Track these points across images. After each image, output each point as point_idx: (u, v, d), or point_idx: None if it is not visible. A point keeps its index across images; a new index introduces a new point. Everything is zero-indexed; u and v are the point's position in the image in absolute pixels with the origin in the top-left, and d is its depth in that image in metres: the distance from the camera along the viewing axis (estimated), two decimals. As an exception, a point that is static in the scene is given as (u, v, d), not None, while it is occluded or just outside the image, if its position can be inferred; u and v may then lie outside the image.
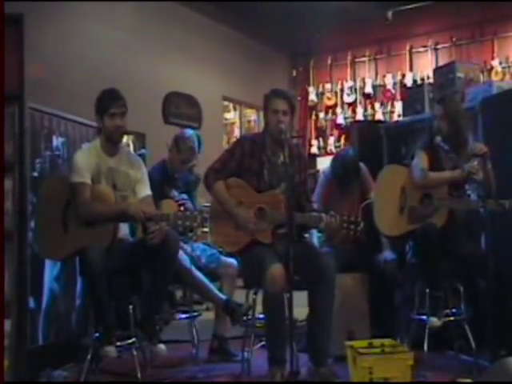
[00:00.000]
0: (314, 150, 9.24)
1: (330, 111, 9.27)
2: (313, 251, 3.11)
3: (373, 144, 4.49)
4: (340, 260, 3.14)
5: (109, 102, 3.06)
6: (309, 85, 9.49)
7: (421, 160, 3.35)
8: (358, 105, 8.96)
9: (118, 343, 2.86)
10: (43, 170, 3.47)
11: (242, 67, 8.41)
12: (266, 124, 3.17)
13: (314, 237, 3.79)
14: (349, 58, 9.13)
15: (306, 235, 3.72)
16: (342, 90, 9.10)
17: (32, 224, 3.20)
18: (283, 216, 2.91)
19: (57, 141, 3.58)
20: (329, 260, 3.00)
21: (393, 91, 8.64)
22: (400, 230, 3.36)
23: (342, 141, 8.69)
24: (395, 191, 3.40)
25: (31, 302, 3.22)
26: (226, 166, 3.15)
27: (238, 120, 8.98)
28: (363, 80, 8.98)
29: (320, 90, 9.40)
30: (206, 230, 3.77)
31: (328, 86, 9.28)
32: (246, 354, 3.07)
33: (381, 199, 3.48)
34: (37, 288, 3.34)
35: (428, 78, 7.82)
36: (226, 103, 8.71)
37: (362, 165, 3.95)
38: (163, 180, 3.73)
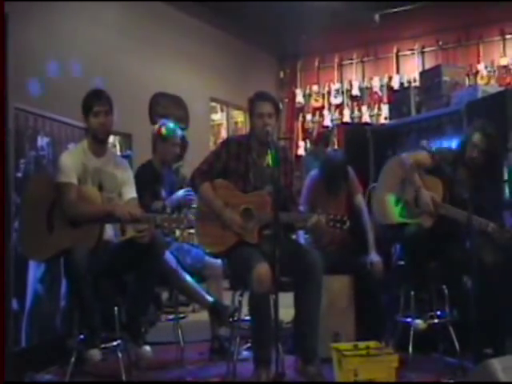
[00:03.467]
0: (301, 151, 9.25)
1: (317, 113, 9.31)
2: (299, 249, 3.11)
3: (359, 147, 4.49)
4: (326, 262, 3.11)
5: (92, 100, 3.08)
6: (296, 87, 9.53)
7: (421, 155, 3.45)
8: (345, 107, 8.98)
9: (103, 345, 2.84)
10: (27, 171, 3.46)
11: (230, 68, 8.38)
12: (251, 127, 3.18)
13: (301, 238, 3.79)
14: (336, 60, 9.12)
15: (293, 236, 3.72)
16: (329, 92, 9.15)
17: (16, 225, 3.18)
18: (269, 216, 2.91)
19: (41, 141, 3.58)
20: (315, 256, 3.00)
21: (380, 94, 8.68)
22: (393, 220, 3.43)
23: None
24: (395, 182, 3.48)
25: (14, 304, 3.20)
26: (212, 167, 3.15)
27: (225, 121, 8.98)
28: (350, 82, 8.99)
29: (307, 91, 9.43)
30: (191, 231, 3.74)
31: (315, 87, 9.33)
32: (232, 355, 3.07)
33: (381, 190, 3.56)
34: (20, 289, 3.32)
35: (414, 81, 7.86)
36: (213, 104, 8.69)
37: (349, 168, 3.98)
38: (151, 180, 3.73)
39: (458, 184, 3.37)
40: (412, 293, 3.26)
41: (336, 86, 9.12)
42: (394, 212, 3.45)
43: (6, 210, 2.81)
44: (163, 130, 3.82)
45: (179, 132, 3.88)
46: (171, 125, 3.89)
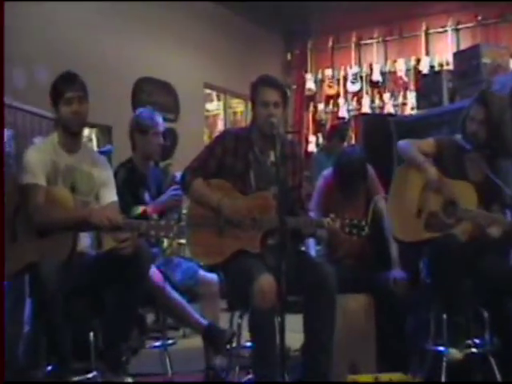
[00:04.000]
0: (312, 147, 9.32)
1: (331, 102, 9.40)
2: (309, 261, 3.14)
3: (381, 142, 4.49)
4: (342, 277, 3.14)
5: (64, 85, 3.06)
6: (306, 71, 9.63)
7: (422, 141, 3.49)
8: (364, 95, 9.13)
9: (76, 378, 2.82)
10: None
11: (228, 49, 8.45)
12: (253, 117, 3.22)
13: (312, 249, 3.84)
14: (354, 39, 9.27)
15: (302, 248, 3.74)
16: (345, 78, 9.23)
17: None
18: (274, 222, 2.95)
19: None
20: (328, 271, 3.02)
21: (405, 79, 8.76)
22: (415, 236, 3.39)
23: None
24: (414, 190, 3.45)
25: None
26: (206, 164, 3.20)
27: (221, 111, 9.08)
28: (370, 66, 9.15)
29: (319, 76, 9.55)
30: (182, 241, 3.77)
31: (329, 72, 9.43)
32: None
33: (396, 199, 3.55)
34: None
35: (447, 63, 7.97)
36: (208, 91, 8.80)
37: (368, 166, 4.01)
38: (132, 181, 3.75)
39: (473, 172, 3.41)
40: (444, 316, 3.25)
41: (353, 69, 9.22)
42: (416, 227, 3.41)
43: None
44: (140, 120, 3.83)
45: (159, 120, 3.88)
46: (148, 112, 3.90)
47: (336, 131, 6.98)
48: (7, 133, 3.59)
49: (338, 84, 9.33)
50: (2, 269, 2.74)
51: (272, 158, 3.16)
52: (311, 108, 9.60)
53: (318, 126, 9.49)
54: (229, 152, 3.20)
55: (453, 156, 3.46)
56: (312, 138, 9.49)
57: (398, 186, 3.56)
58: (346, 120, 8.90)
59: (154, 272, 3.51)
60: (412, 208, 3.44)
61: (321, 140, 9.37)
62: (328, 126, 8.72)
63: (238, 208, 3.09)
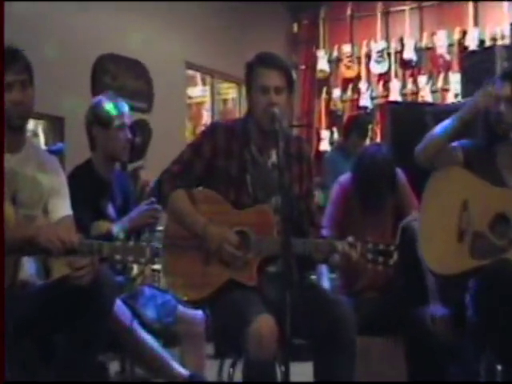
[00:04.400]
0: (325, 145, 9.46)
1: (350, 87, 9.51)
2: (321, 295, 3.17)
3: (414, 139, 4.48)
4: (363, 316, 3.21)
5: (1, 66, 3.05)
6: (317, 47, 9.76)
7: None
8: (393, 78, 9.21)
9: None
10: None
11: (217, 20, 8.55)
12: (250, 107, 3.29)
13: (325, 278, 3.91)
14: (379, 6, 9.34)
15: (313, 277, 3.80)
16: (368, 56, 9.37)
17: None
18: (275, 244, 2.98)
19: None
20: (346, 308, 3.06)
21: (446, 57, 8.84)
22: (458, 267, 3.40)
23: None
24: (453, 207, 3.45)
25: None
26: (189, 169, 3.25)
27: (208, 99, 9.18)
28: (401, 40, 9.23)
29: (335, 54, 9.64)
30: (156, 268, 3.83)
31: (347, 48, 9.52)
32: None
33: (430, 218, 3.54)
34: None
35: (502, 37, 8.08)
36: (190, 73, 8.88)
37: (398, 171, 4.08)
38: (91, 189, 3.77)
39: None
40: (499, 367, 3.27)
41: (379, 45, 9.33)
42: (458, 254, 3.42)
43: None
44: (100, 110, 3.85)
45: (126, 109, 3.92)
46: (111, 99, 3.92)
47: (356, 125, 7.07)
48: None
49: (359, 64, 9.43)
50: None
51: (273, 159, 3.23)
52: (324, 95, 9.69)
53: (333, 119, 9.57)
54: (219, 152, 3.26)
55: (484, 161, 3.52)
56: (325, 134, 9.58)
57: (433, 199, 3.58)
58: (368, 110, 9.06)
59: (120, 307, 3.52)
60: (451, 229, 3.44)
61: (336, 136, 9.45)
62: (345, 118, 8.57)
63: (229, 238, 3.13)
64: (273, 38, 9.22)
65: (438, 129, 3.49)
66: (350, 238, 3.08)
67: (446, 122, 3.48)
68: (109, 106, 3.87)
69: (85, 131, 3.91)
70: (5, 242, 2.91)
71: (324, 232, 3.50)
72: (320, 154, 9.03)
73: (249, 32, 8.86)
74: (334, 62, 9.70)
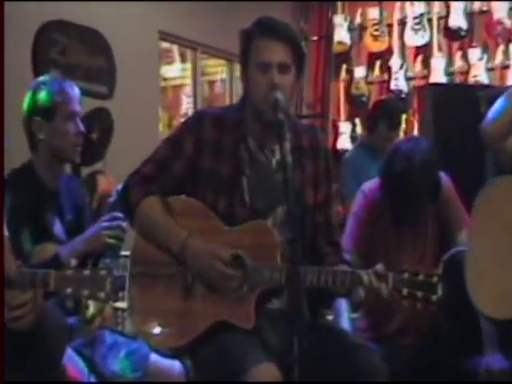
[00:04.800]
0: (345, 142, 9.51)
1: (378, 64, 9.51)
2: (341, 344, 3.18)
3: (464, 131, 4.56)
4: (397, 367, 3.24)
5: None
6: (335, 12, 9.78)
7: None
8: (435, 52, 9.17)
9: None
10: None
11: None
12: (245, 90, 3.35)
13: (344, 318, 3.93)
14: (415, -45, 9.19)
15: (329, 317, 3.82)
16: (402, 23, 9.34)
17: None
18: (280, 272, 3.02)
19: None
20: (373, 361, 3.08)
21: (507, 24, 8.66)
22: None
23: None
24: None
25: None
26: (166, 170, 3.31)
27: (189, 80, 9.20)
28: (446, 2, 9.14)
29: (357, 21, 9.68)
30: (120, 306, 3.87)
31: (373, 13, 9.54)
32: None
33: (483, 243, 3.57)
34: None
35: None
36: (165, 46, 8.95)
37: (442, 175, 4.12)
38: (32, 202, 3.75)
39: None
40: None
41: (417, 9, 9.27)
42: None
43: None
44: (41, 96, 3.83)
45: (76, 94, 3.90)
46: (56, 82, 3.91)
47: (385, 113, 7.00)
48: None
49: (390, 34, 9.45)
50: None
51: (278, 156, 3.27)
52: (343, 75, 9.72)
53: (355, 106, 9.62)
54: (205, 148, 3.31)
55: None
56: (345, 127, 9.61)
57: (488, 215, 3.62)
58: (402, 95, 9.10)
59: (71, 359, 3.51)
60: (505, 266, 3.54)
61: (359, 130, 9.52)
62: (371, 106, 8.22)
63: (221, 255, 3.14)
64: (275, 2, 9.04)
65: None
66: (380, 267, 3.11)
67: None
68: (52, 90, 3.85)
69: (21, 126, 3.90)
70: None
71: (346, 256, 3.52)
72: (338, 154, 9.04)
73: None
74: (357, 32, 9.73)
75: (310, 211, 3.34)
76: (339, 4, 9.81)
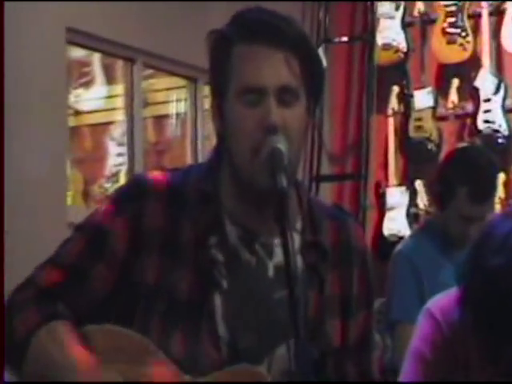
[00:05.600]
0: (397, 223, 8.03)
1: (455, 85, 7.84)
2: None
3: None
4: None
5: None
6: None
7: None
8: None
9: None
10: None
11: None
12: (220, 136, 2.88)
13: None
14: None
15: None
16: (497, 13, 7.79)
17: None
18: None
19: None
20: None
21: None
22: None
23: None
24: None
25: None
26: (81, 278, 2.87)
27: (121, 115, 7.95)
28: None
29: (418, 9, 8.06)
30: None
31: None
32: None
33: None
34: None
35: None
36: (77, 54, 8.03)
37: None
38: None
39: None
40: None
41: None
42: None
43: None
44: None
45: None
46: None
47: (466, 174, 5.64)
48: None
49: (476, 34, 7.81)
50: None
51: (277, 258, 2.75)
52: (393, 103, 8.03)
53: (415, 159, 8.08)
54: (149, 244, 2.83)
55: None
56: (396, 196, 8.00)
57: None
58: (499, 139, 7.64)
59: None
60: None
61: (421, 201, 7.94)
62: (443, 159, 6.48)
63: None
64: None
65: None
66: None
67: None
68: None
69: None
70: None
71: None
72: (384, 247, 7.50)
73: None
74: (417, 29, 8.01)
75: (335, 357, 2.84)
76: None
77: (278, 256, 2.73)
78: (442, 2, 7.93)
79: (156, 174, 3.26)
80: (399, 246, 6.09)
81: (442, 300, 3.72)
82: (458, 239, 5.35)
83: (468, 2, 7.85)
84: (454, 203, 5.52)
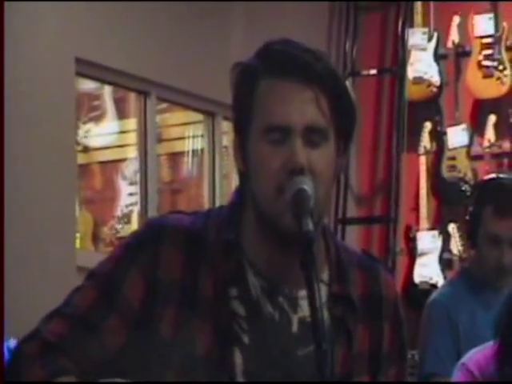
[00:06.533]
0: (430, 271, 8.05)
1: (492, 122, 7.92)
2: None
3: None
4: None
5: None
6: (407, 23, 8.34)
7: None
8: None
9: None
10: None
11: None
12: (242, 177, 2.77)
13: None
14: None
15: None
16: None
17: None
18: None
19: None
20: None
21: None
22: None
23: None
24: None
25: None
26: (91, 330, 2.73)
27: (133, 151, 8.00)
28: None
29: (452, 40, 8.19)
30: None
31: (483, 22, 8.01)
32: None
33: None
34: None
35: None
36: (88, 86, 8.16)
37: None
38: None
39: None
40: None
41: None
42: None
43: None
44: None
45: None
46: None
47: (495, 190, 5.69)
48: None
49: None
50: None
51: (303, 312, 2.64)
52: (426, 141, 8.09)
53: (449, 200, 8.10)
54: (165, 294, 2.70)
55: None
56: (430, 241, 7.98)
57: None
58: None
59: None
60: None
61: (456, 247, 7.87)
62: (475, 198, 6.20)
63: None
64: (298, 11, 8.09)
65: None
66: None
67: None
68: None
69: None
70: None
71: None
72: (414, 294, 7.64)
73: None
74: (451, 60, 8.07)
75: None
76: (419, 5, 8.01)
77: (304, 309, 2.68)
78: (478, 33, 7.88)
79: (173, 218, 3.12)
80: (434, 295, 6.01)
81: (478, 354, 3.82)
82: (496, 289, 5.25)
83: (505, 34, 7.84)
84: (482, 225, 5.43)
